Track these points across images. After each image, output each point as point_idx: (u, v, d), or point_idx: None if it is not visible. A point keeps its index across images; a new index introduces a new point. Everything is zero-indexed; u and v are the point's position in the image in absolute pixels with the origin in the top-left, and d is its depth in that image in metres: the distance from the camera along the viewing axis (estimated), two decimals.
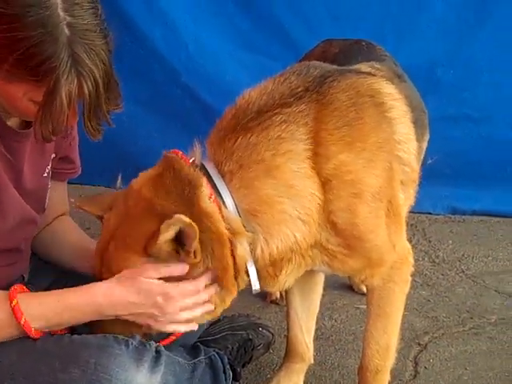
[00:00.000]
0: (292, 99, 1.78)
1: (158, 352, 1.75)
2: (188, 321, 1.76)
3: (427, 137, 2.27)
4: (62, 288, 1.72)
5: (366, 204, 1.77)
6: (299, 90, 1.81)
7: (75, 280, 1.81)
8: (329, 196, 1.74)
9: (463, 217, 3.97)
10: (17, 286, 1.68)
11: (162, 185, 1.69)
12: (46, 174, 1.90)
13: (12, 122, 1.73)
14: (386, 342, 2.00)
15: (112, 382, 1.62)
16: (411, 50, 3.80)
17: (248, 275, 1.75)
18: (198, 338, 2.18)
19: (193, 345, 2.12)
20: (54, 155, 1.93)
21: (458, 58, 3.90)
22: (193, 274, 1.68)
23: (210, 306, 1.78)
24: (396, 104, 1.96)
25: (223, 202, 1.68)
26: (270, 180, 1.70)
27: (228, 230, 1.66)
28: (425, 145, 2.26)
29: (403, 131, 1.95)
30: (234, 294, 1.79)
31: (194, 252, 1.63)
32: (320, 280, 2.27)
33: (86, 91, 1.53)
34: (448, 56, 3.90)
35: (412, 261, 1.99)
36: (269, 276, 1.80)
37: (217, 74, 4.03)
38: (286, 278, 1.84)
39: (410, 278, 1.99)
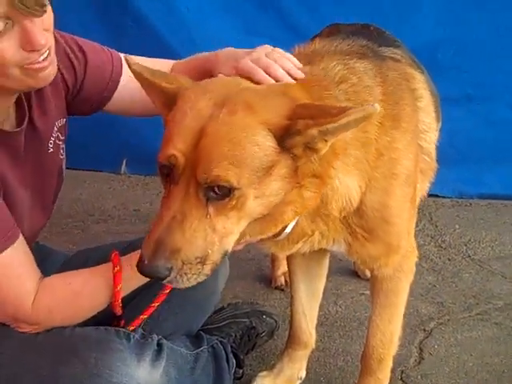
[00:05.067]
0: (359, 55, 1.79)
1: (159, 345, 1.75)
2: None
3: (440, 124, 2.24)
4: None
5: (400, 186, 1.75)
6: (362, 50, 1.82)
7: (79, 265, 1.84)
8: (374, 173, 1.69)
9: (470, 200, 3.94)
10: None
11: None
12: (51, 150, 1.86)
13: (6, 125, 1.70)
14: (390, 332, 1.99)
15: (113, 376, 1.62)
16: (412, 32, 3.76)
17: None
18: (202, 326, 2.17)
19: (196, 334, 2.11)
20: (62, 121, 1.89)
21: (458, 39, 3.86)
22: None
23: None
24: (425, 93, 1.96)
25: None
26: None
27: None
28: (438, 133, 2.24)
29: (427, 120, 1.94)
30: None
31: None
32: (325, 268, 2.25)
33: None
34: (449, 37, 3.87)
35: (417, 251, 1.98)
36: (299, 229, 1.71)
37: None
38: (304, 244, 1.80)
39: (414, 268, 1.98)
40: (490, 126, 3.98)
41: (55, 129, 1.85)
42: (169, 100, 1.53)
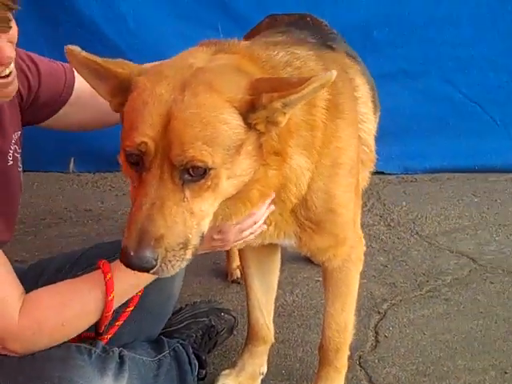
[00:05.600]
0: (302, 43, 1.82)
1: (121, 358, 1.77)
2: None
3: (379, 114, 2.29)
4: None
5: (345, 176, 1.79)
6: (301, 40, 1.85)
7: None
8: (321, 159, 1.72)
9: (415, 176, 4.06)
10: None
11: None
12: (10, 163, 1.85)
13: None
14: (344, 321, 2.06)
15: None
16: (347, 10, 3.84)
17: None
18: (162, 329, 2.20)
19: (156, 338, 2.14)
20: (17, 134, 1.88)
21: (392, 16, 3.93)
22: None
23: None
24: (361, 83, 1.99)
25: None
26: None
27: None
28: (377, 122, 2.29)
29: (364, 111, 1.99)
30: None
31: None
32: (277, 262, 2.30)
33: None
34: (383, 14, 3.93)
35: (363, 240, 2.04)
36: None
37: (159, 49, 3.96)
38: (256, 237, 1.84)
39: (363, 257, 2.04)
40: (428, 100, 4.10)
41: (12, 141, 1.84)
42: (120, 86, 1.52)
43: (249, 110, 1.43)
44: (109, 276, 1.71)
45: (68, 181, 4.08)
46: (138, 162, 1.43)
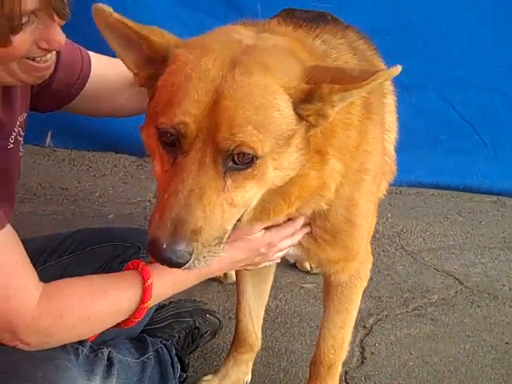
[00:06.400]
0: None
1: (109, 359, 1.64)
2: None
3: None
4: None
5: (369, 184, 1.67)
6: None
7: None
8: (352, 163, 1.59)
9: (400, 188, 3.99)
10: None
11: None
12: (11, 145, 1.70)
13: None
14: (342, 337, 1.97)
15: None
16: (350, 18, 3.73)
17: None
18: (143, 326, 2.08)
19: (139, 336, 2.02)
20: (23, 116, 1.75)
21: (394, 26, 3.86)
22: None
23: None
24: (389, 91, 1.89)
25: None
26: None
27: None
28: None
29: (389, 119, 1.88)
30: None
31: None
32: (273, 268, 2.20)
33: None
34: (385, 24, 3.86)
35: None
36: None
37: None
38: None
39: (369, 274, 1.95)
40: (422, 114, 4.03)
41: (17, 123, 1.70)
42: (153, 57, 1.37)
43: (303, 100, 1.30)
44: (149, 282, 1.55)
45: (44, 155, 3.91)
46: (174, 142, 1.27)
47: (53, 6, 1.40)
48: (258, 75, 1.28)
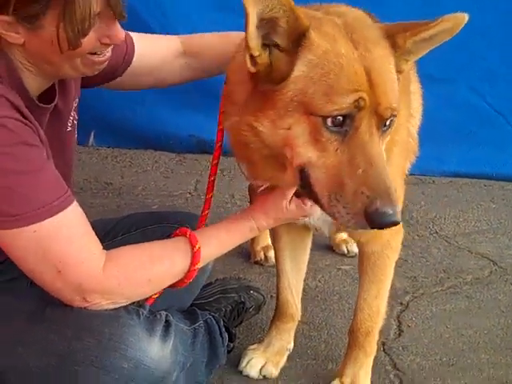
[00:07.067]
0: None
1: (167, 321, 1.78)
2: None
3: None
4: None
5: (398, 156, 1.81)
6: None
7: None
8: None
9: (433, 178, 4.08)
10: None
11: None
12: (69, 129, 1.88)
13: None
14: (377, 306, 2.09)
15: (127, 351, 1.64)
16: (381, 12, 3.82)
17: None
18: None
19: (189, 309, 2.15)
20: (76, 101, 1.92)
21: (423, 19, 3.93)
22: None
23: None
24: (414, 79, 2.05)
25: None
26: None
27: None
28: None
29: (415, 105, 2.01)
30: None
31: None
32: (309, 243, 2.32)
33: None
34: (414, 16, 3.93)
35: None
36: None
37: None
38: None
39: (400, 246, 2.06)
40: (452, 106, 4.11)
41: (72, 108, 1.86)
42: (291, 33, 1.43)
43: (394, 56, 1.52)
44: (197, 246, 1.72)
45: (87, 154, 4.08)
46: (341, 123, 1.43)
47: (112, 8, 1.56)
48: (375, 49, 1.48)
